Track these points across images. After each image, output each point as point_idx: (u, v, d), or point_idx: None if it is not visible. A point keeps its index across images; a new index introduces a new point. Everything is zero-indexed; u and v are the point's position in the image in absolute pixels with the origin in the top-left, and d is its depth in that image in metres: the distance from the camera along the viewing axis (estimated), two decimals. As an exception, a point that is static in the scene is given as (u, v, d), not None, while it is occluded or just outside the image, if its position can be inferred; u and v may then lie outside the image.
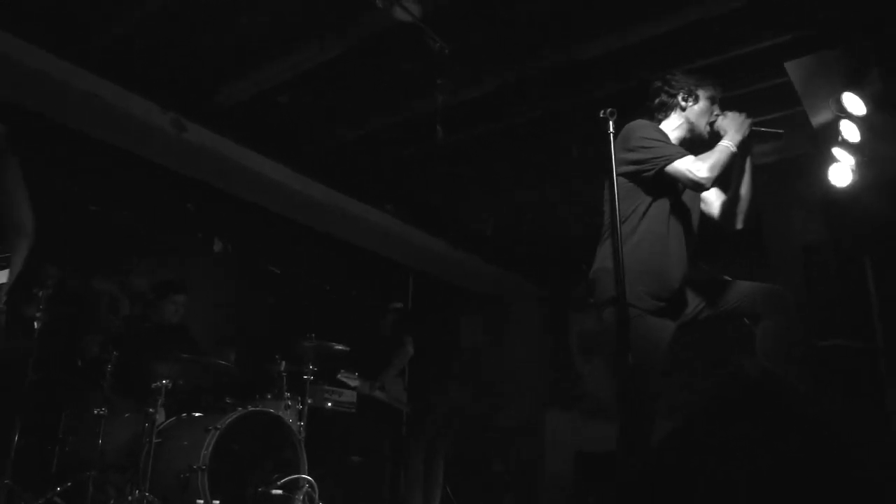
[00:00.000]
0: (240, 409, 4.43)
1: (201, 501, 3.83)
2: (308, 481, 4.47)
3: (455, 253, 7.90)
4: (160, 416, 4.38)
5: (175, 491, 4.07)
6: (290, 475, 4.42)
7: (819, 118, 4.74)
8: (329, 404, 6.13)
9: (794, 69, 4.45)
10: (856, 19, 4.16)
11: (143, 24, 4.64)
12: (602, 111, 3.14)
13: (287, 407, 4.78)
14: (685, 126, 3.24)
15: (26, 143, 3.33)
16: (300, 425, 4.76)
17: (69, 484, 4.12)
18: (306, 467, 4.49)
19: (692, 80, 3.24)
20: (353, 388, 6.04)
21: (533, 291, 8.92)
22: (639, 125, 3.12)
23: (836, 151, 4.67)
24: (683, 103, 3.23)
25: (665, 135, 3.12)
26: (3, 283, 2.67)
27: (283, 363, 4.99)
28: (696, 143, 3.21)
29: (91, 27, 4.73)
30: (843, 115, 4.49)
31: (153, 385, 4.31)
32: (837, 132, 4.56)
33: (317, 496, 4.60)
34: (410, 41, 4.54)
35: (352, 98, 5.42)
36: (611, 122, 3.10)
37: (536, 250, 8.08)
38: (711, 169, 2.92)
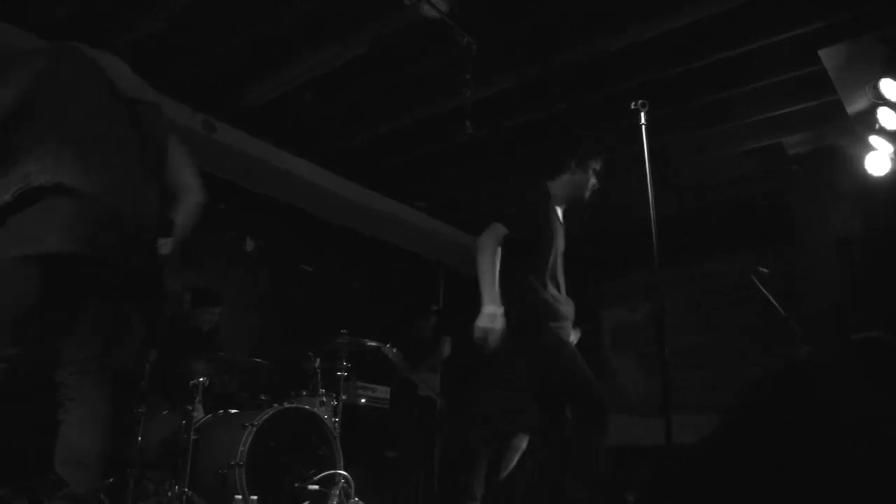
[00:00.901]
0: (275, 405, 4.47)
1: (240, 497, 3.86)
2: (344, 476, 4.49)
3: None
4: (198, 414, 4.44)
5: (214, 487, 4.10)
6: (325, 470, 4.44)
7: (855, 106, 4.67)
8: (363, 400, 6.16)
9: (828, 57, 4.39)
10: (891, 4, 4.09)
11: (171, 25, 4.68)
12: (633, 103, 3.14)
13: (322, 403, 4.81)
14: (569, 188, 3.68)
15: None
16: (335, 421, 4.79)
17: (110, 480, 4.19)
18: (342, 463, 4.51)
19: (588, 153, 3.66)
20: (395, 363, 6.04)
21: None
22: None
23: (874, 139, 4.61)
24: (574, 167, 3.64)
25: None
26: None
27: (318, 360, 5.02)
28: (574, 201, 3.73)
29: (117, 29, 4.78)
30: (880, 102, 4.42)
31: (191, 383, 4.37)
32: (874, 120, 4.50)
33: (352, 491, 4.62)
34: (437, 37, 4.54)
35: (380, 94, 5.43)
36: (642, 114, 3.12)
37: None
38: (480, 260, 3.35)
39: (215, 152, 5.86)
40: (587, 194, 3.69)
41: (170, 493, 4.12)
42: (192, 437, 4.27)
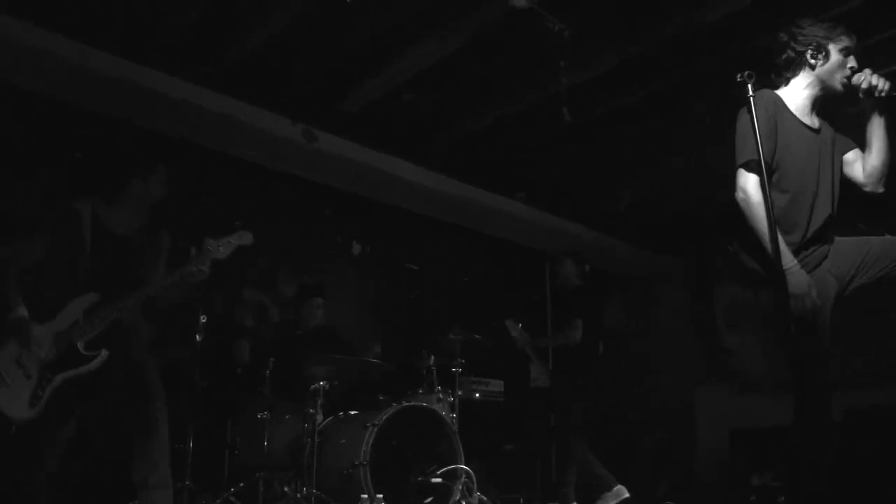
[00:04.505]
0: (395, 404, 4.53)
1: (365, 496, 3.93)
2: (466, 471, 4.51)
3: (590, 234, 7.79)
4: (319, 416, 4.55)
5: (340, 486, 4.20)
6: (446, 466, 4.47)
7: None
8: (477, 395, 6.18)
9: None
10: None
11: (267, 43, 4.82)
12: (739, 74, 2.99)
13: (439, 400, 4.85)
14: (816, 84, 3.00)
15: (171, 167, 3.63)
16: (453, 417, 4.82)
17: (241, 485, 4.35)
18: (462, 458, 4.53)
19: (822, 33, 2.96)
20: (513, 337, 5.80)
21: (673, 267, 8.67)
22: (739, 115, 2.94)
23: None
24: (812, 61, 2.96)
25: (748, 129, 2.79)
26: None
27: (432, 357, 5.07)
28: (830, 99, 3.01)
29: (218, 51, 4.96)
30: None
31: (311, 387, 4.48)
32: None
33: (475, 486, 4.64)
34: (529, 27, 4.50)
35: (474, 90, 5.43)
36: (749, 86, 2.95)
37: (674, 224, 7.85)
38: (746, 203, 2.81)
39: (316, 160, 5.99)
40: (842, 83, 2.94)
41: (298, 495, 4.24)
42: (316, 439, 4.38)
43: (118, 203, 3.49)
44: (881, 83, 2.85)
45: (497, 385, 6.63)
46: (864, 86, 2.88)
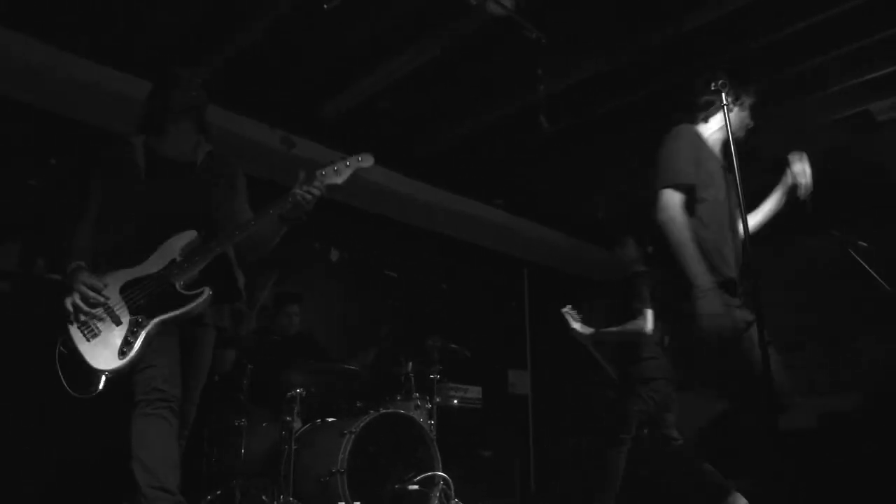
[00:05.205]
0: (372, 411, 4.51)
1: (342, 503, 3.91)
2: (443, 478, 4.51)
3: (569, 241, 7.82)
4: (296, 424, 4.52)
5: (316, 494, 4.17)
6: (424, 473, 4.46)
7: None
8: (455, 402, 6.18)
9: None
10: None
11: (244, 51, 4.84)
12: (713, 83, 3.05)
13: (417, 407, 4.83)
14: (725, 129, 3.12)
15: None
16: (431, 424, 4.81)
17: (218, 492, 4.32)
18: (440, 465, 4.52)
19: (738, 84, 3.19)
20: (573, 329, 5.36)
21: (654, 274, 8.70)
22: (676, 134, 3.13)
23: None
24: (730, 107, 3.15)
25: (680, 151, 3.04)
26: None
27: (410, 364, 5.05)
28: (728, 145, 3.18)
29: (197, 58, 4.95)
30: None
31: (288, 394, 4.46)
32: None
33: (452, 493, 4.63)
34: (507, 35, 4.52)
35: (453, 97, 5.45)
36: (723, 94, 3.01)
37: (654, 232, 7.89)
38: (672, 223, 2.92)
39: (294, 166, 5.96)
40: (742, 134, 3.26)
41: (275, 503, 4.21)
42: (293, 446, 4.36)
43: (166, 128, 3.26)
44: (809, 183, 3.21)
45: (475, 392, 6.64)
46: (801, 181, 3.20)
